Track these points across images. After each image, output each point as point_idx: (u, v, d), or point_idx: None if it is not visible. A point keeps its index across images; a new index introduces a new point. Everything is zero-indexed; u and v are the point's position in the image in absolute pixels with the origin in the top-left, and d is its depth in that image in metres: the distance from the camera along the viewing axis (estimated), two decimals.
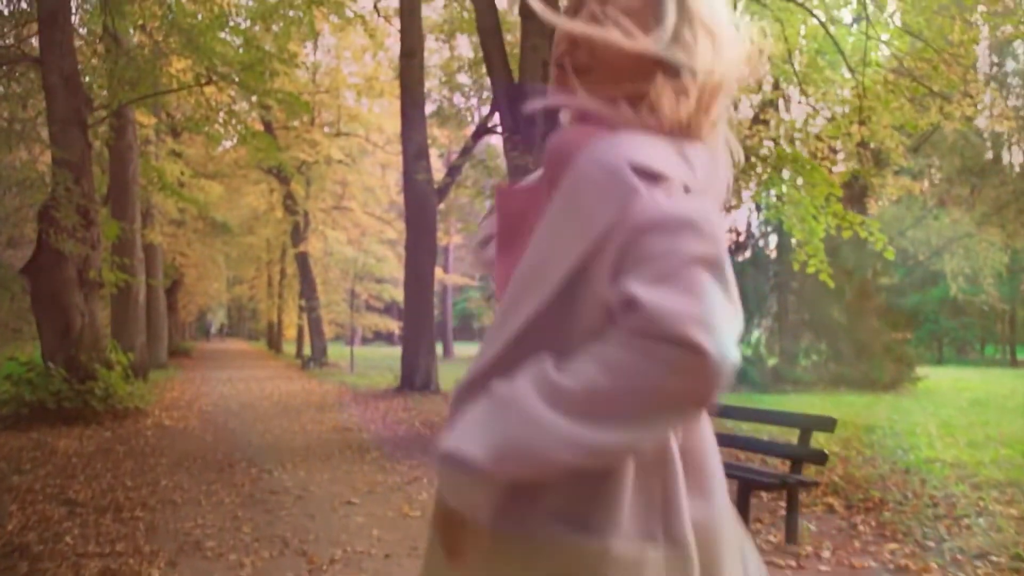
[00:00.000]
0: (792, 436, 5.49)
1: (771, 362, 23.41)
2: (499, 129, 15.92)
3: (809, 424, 5.31)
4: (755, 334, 24.60)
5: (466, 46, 17.24)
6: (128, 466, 7.10)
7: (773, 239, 23.80)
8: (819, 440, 6.80)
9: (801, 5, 10.18)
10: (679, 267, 0.91)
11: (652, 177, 0.96)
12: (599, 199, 0.95)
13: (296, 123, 25.45)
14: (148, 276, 19.45)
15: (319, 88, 26.34)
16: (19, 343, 15.55)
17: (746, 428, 7.40)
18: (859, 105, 10.11)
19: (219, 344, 45.89)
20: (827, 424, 5.17)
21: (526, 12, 9.31)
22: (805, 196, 8.50)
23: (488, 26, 9.33)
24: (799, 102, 12.13)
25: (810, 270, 8.99)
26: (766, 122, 15.56)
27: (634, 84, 1.06)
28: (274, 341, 35.13)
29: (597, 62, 1.08)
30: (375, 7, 16.78)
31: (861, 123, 10.30)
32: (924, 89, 10.25)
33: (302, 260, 27.18)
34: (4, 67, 10.95)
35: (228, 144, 29.24)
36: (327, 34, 25.47)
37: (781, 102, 12.59)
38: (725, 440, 5.81)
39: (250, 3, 12.58)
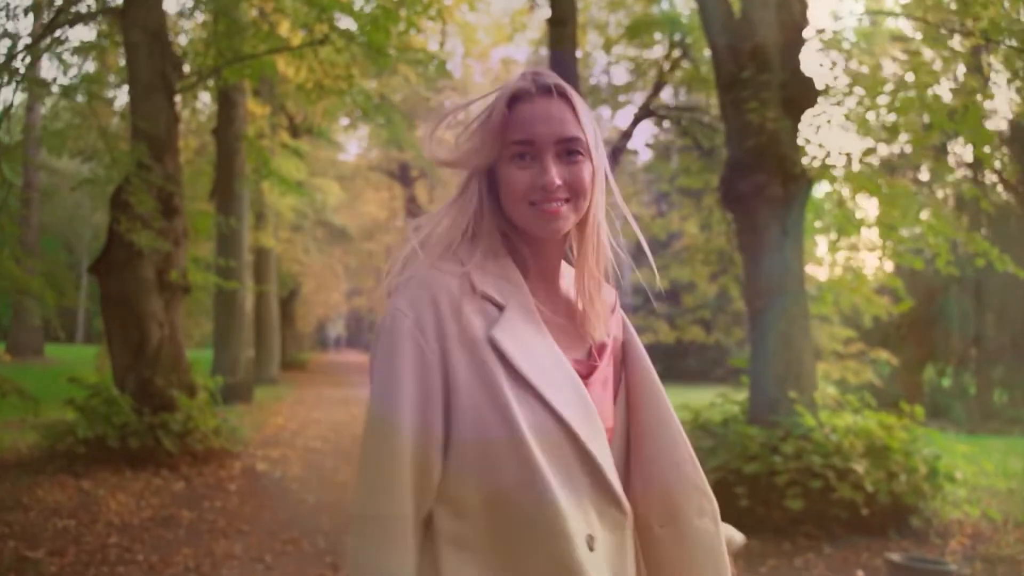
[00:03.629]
0: None
1: (971, 391, 19.84)
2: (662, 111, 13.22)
3: None
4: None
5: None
6: (186, 554, 4.79)
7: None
8: None
9: None
10: None
11: None
12: None
13: (421, 127, 23.50)
14: (259, 284, 17.65)
15: (447, 86, 24.30)
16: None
17: None
18: None
19: (336, 356, 44.51)
20: None
21: None
22: None
23: None
24: None
25: None
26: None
27: None
28: None
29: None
30: None
31: None
32: None
33: None
34: (84, 23, 9.02)
35: (353, 151, 27.64)
36: (453, 34, 23.42)
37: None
38: None
39: None
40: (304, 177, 18.33)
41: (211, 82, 11.45)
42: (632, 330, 1.38)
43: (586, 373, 1.26)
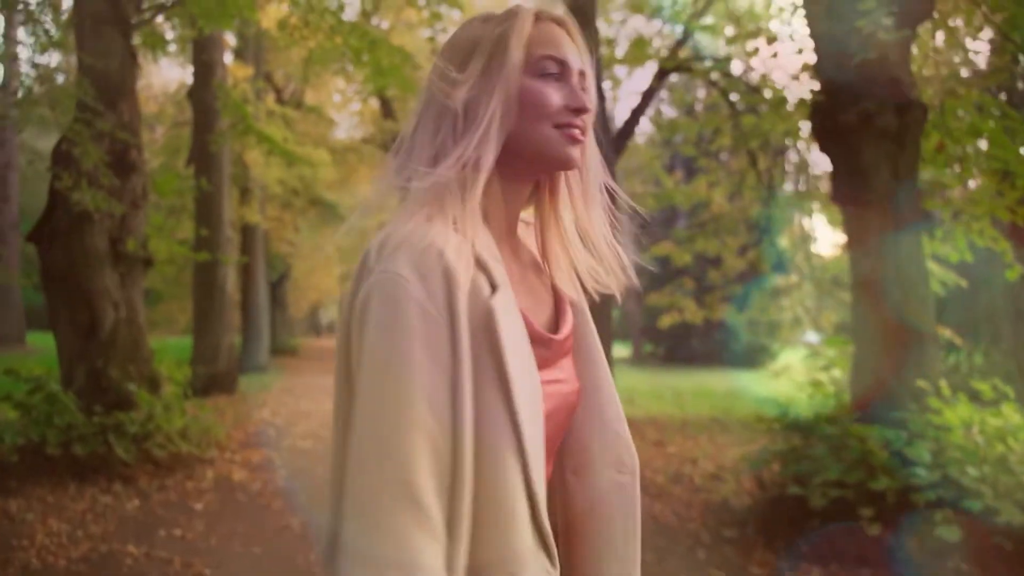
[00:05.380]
0: None
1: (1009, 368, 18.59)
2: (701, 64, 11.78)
3: None
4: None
5: None
6: None
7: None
8: None
9: None
10: None
11: None
12: None
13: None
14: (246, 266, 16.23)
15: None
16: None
17: None
18: None
19: (328, 342, 43.02)
20: None
21: None
22: None
23: None
24: None
25: None
26: None
27: None
28: None
29: None
30: None
31: None
32: None
33: None
34: None
35: (346, 126, 26.16)
36: None
37: None
38: None
39: None
40: (291, 145, 16.96)
41: (185, 35, 10.14)
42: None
43: (554, 345, 1.06)
